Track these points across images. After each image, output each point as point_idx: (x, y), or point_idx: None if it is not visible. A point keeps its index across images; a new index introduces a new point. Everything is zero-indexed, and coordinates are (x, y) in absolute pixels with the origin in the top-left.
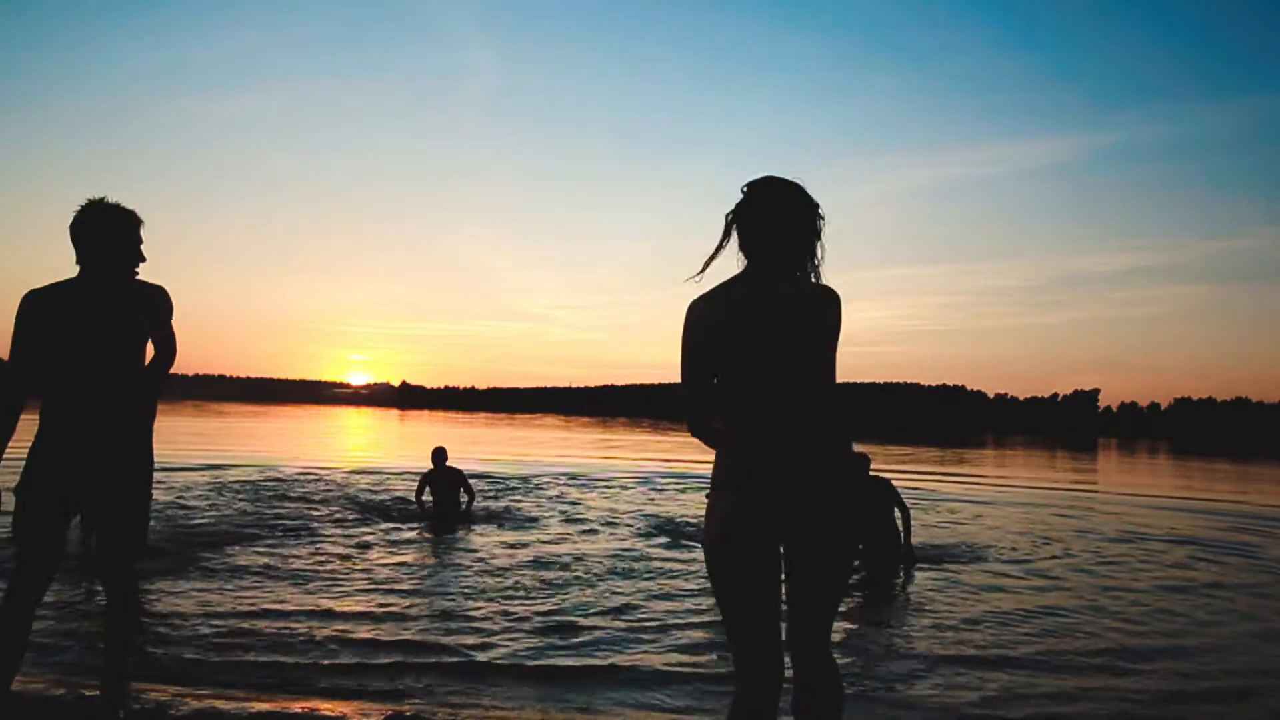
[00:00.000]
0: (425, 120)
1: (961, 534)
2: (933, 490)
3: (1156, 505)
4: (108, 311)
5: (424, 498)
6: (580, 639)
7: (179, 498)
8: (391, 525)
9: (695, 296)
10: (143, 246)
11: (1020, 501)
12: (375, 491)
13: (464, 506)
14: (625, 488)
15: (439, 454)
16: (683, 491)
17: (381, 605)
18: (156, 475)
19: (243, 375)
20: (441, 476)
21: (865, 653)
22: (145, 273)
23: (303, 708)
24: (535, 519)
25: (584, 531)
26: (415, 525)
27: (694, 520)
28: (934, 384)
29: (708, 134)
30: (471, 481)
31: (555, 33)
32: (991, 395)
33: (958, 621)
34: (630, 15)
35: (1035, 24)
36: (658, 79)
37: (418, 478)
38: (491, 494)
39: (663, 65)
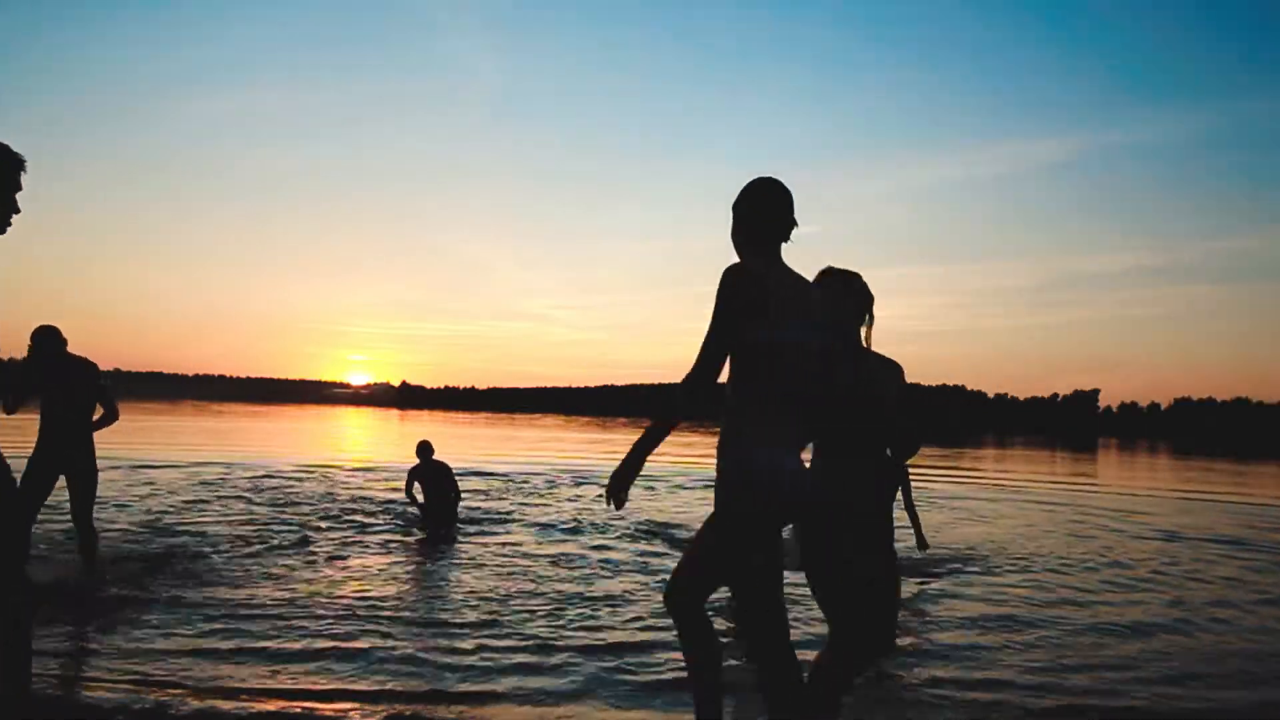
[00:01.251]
0: (425, 120)
1: (986, 534)
2: (944, 489)
3: (1187, 505)
4: None
5: (415, 495)
6: (576, 648)
7: (180, 496)
8: (389, 525)
9: None
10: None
11: (1039, 500)
12: (375, 490)
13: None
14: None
15: (424, 448)
16: (680, 491)
17: (381, 607)
18: (152, 474)
19: (243, 375)
20: (431, 471)
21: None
22: (147, 271)
23: (302, 708)
24: (534, 520)
25: (582, 534)
26: (412, 525)
27: (689, 522)
28: (934, 384)
29: (709, 133)
30: (475, 479)
31: (555, 32)
32: (991, 395)
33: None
34: (631, 14)
35: (1036, 24)
36: (658, 78)
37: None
38: (496, 494)
39: (663, 64)
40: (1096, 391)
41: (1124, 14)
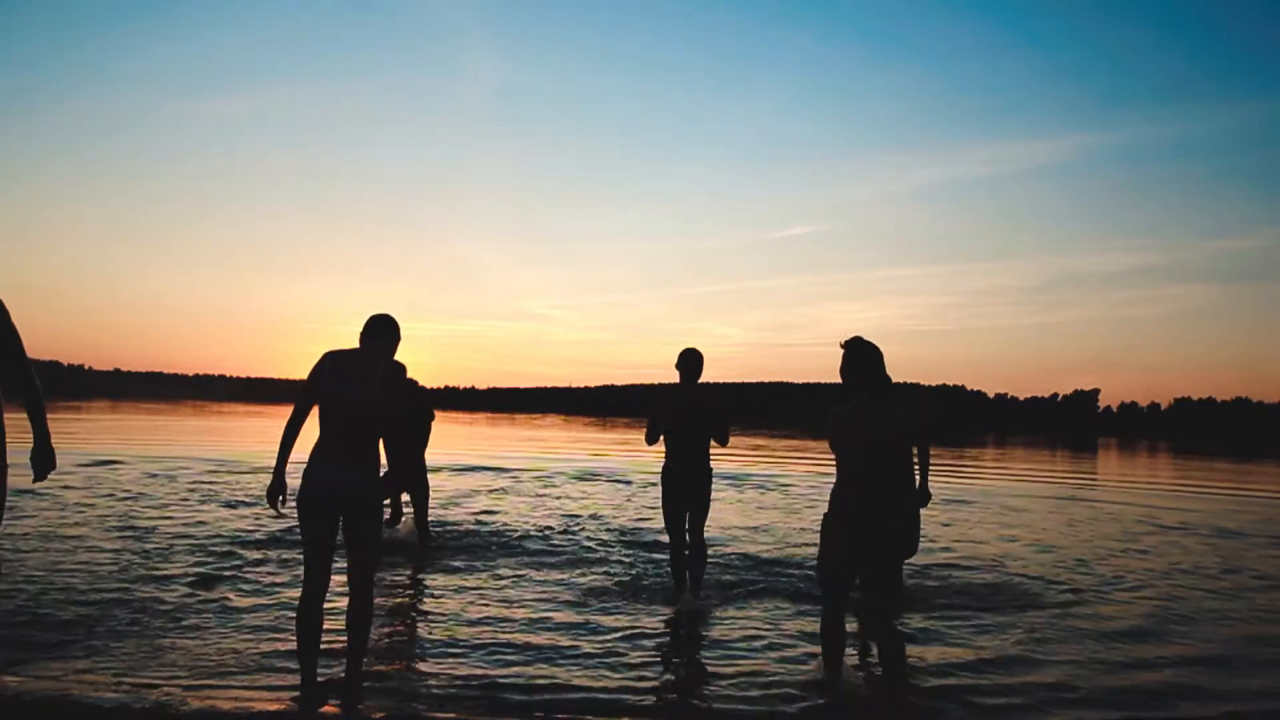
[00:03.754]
0: (425, 120)
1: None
2: (969, 487)
3: (1213, 500)
4: None
5: None
6: (572, 657)
7: (176, 495)
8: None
9: (837, 407)
10: None
11: (1065, 498)
12: None
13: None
14: (619, 484)
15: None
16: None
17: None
18: (150, 471)
19: (243, 375)
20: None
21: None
22: (147, 271)
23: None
24: (527, 517)
25: (569, 536)
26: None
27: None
28: (934, 384)
29: (708, 134)
30: (480, 477)
31: (556, 32)
32: (991, 395)
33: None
34: (631, 15)
35: (1035, 24)
36: (658, 79)
37: None
38: (496, 491)
39: (663, 65)
40: (1096, 391)
41: (1123, 14)
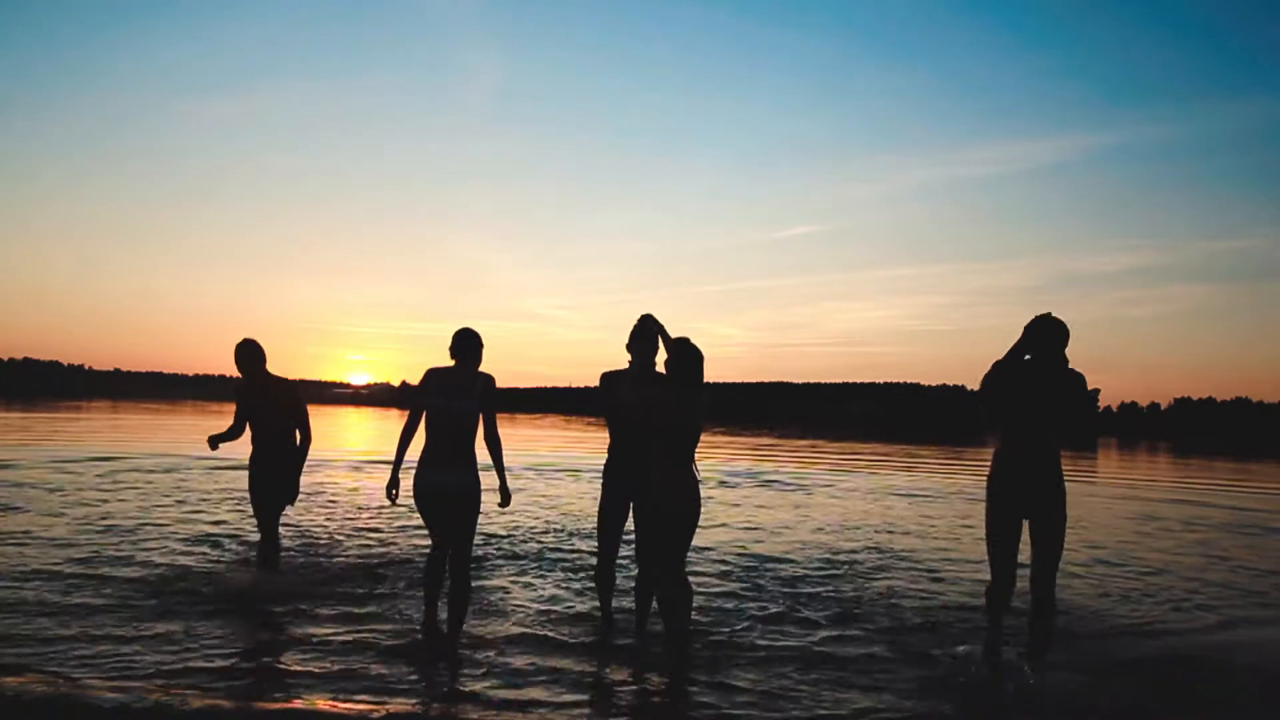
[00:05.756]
0: (425, 120)
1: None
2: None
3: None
4: None
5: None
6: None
7: (186, 493)
8: (388, 516)
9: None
10: None
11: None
12: (372, 480)
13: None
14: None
15: (250, 353)
16: None
17: (363, 610)
18: (148, 468)
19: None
20: (261, 394)
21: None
22: (147, 271)
23: (302, 704)
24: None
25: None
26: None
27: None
28: (934, 384)
29: (708, 134)
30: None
31: (556, 33)
32: None
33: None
34: (631, 15)
35: (1036, 23)
36: (658, 79)
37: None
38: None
39: (663, 65)
40: (1097, 391)
41: (1123, 14)
